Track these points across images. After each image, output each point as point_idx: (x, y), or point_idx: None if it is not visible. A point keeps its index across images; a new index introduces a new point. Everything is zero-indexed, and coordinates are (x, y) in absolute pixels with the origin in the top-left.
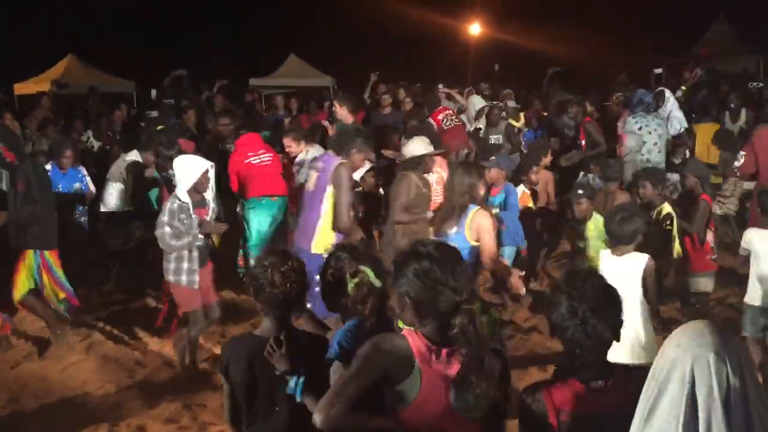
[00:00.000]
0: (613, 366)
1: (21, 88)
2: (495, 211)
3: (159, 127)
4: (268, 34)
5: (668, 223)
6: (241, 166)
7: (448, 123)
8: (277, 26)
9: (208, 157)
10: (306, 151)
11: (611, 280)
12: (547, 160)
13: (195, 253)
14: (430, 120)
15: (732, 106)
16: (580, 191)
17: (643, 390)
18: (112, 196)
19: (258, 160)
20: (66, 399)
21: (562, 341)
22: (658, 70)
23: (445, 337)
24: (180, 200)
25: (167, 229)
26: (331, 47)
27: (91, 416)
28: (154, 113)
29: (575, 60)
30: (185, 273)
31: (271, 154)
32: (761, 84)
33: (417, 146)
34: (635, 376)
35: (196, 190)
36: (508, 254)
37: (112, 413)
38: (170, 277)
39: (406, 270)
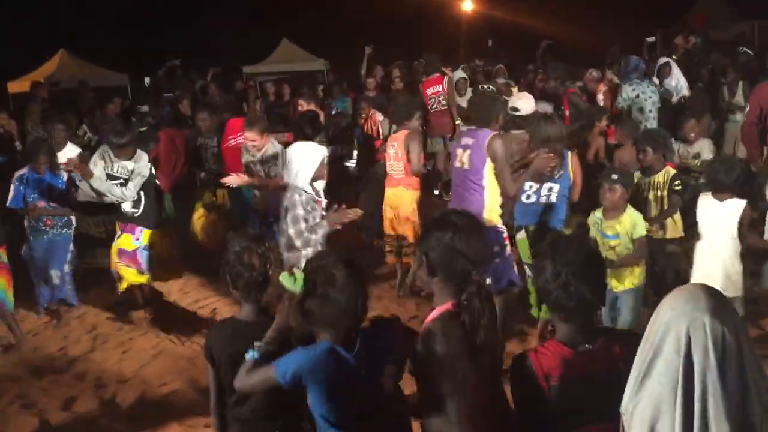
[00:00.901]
0: (600, 329)
1: (15, 87)
2: None
3: (142, 129)
4: (259, 19)
5: (677, 183)
6: (223, 148)
7: (434, 106)
8: (269, 11)
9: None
10: (272, 144)
11: (708, 221)
12: (602, 125)
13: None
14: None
15: (727, 80)
16: (615, 176)
17: (638, 353)
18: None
19: (234, 143)
20: (144, 396)
21: (548, 306)
22: (651, 39)
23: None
24: (305, 191)
25: (304, 224)
26: (323, 30)
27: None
28: (145, 108)
29: (567, 32)
30: None
31: None
32: (747, 50)
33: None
34: (622, 338)
35: (315, 178)
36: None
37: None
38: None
39: (432, 234)
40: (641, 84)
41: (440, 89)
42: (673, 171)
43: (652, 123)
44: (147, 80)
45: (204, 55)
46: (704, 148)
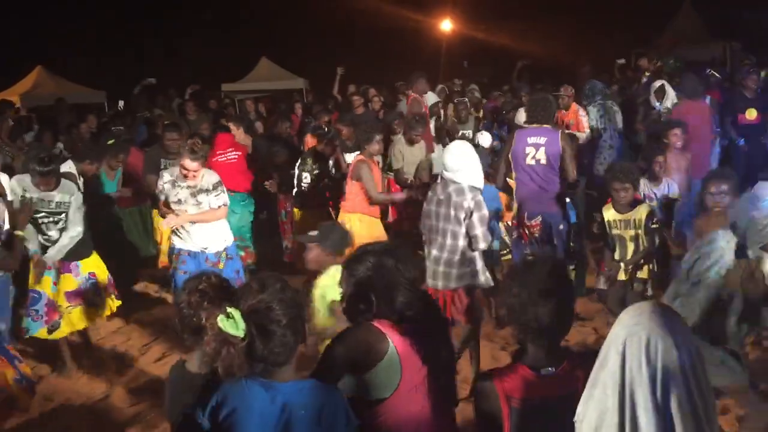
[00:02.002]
0: (566, 352)
1: None
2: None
3: (110, 141)
4: (238, 38)
5: (654, 221)
6: (212, 164)
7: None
8: (248, 30)
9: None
10: (201, 176)
11: None
12: None
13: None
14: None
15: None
16: (621, 174)
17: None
18: None
19: (224, 158)
20: None
21: (513, 329)
22: (621, 61)
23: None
24: (480, 190)
25: (486, 225)
26: (302, 49)
27: None
28: (120, 128)
29: (543, 54)
30: (483, 271)
31: (239, 153)
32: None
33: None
34: (586, 360)
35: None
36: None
37: None
38: (473, 281)
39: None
40: (605, 104)
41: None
42: (649, 208)
43: (617, 141)
44: (121, 103)
45: (183, 73)
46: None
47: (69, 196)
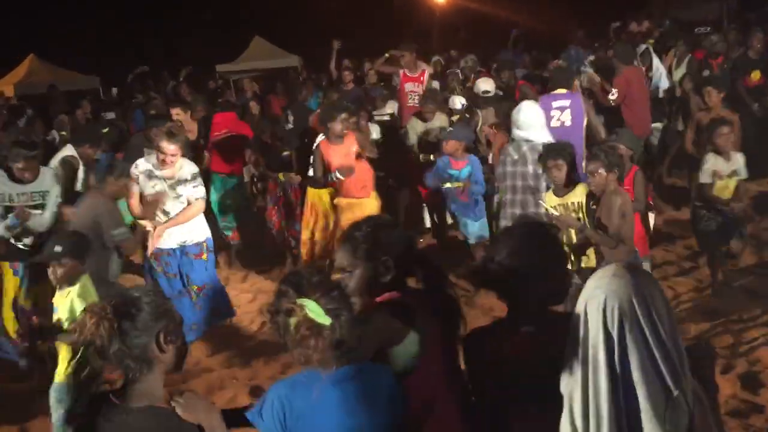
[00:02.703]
0: (547, 312)
1: None
2: (459, 185)
3: (104, 130)
4: (231, 18)
5: (593, 203)
6: (209, 144)
7: (411, 102)
8: (239, 9)
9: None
10: (180, 166)
11: None
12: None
13: None
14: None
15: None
16: (554, 151)
17: None
18: None
19: (221, 138)
20: None
21: (500, 289)
22: (616, 24)
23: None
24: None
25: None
26: (295, 26)
27: None
28: (111, 114)
29: (540, 21)
30: None
31: (236, 134)
32: (708, 29)
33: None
34: (566, 321)
35: None
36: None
37: None
38: None
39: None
40: (586, 74)
41: (419, 88)
42: (586, 188)
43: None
44: (114, 90)
45: (176, 55)
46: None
47: (52, 187)
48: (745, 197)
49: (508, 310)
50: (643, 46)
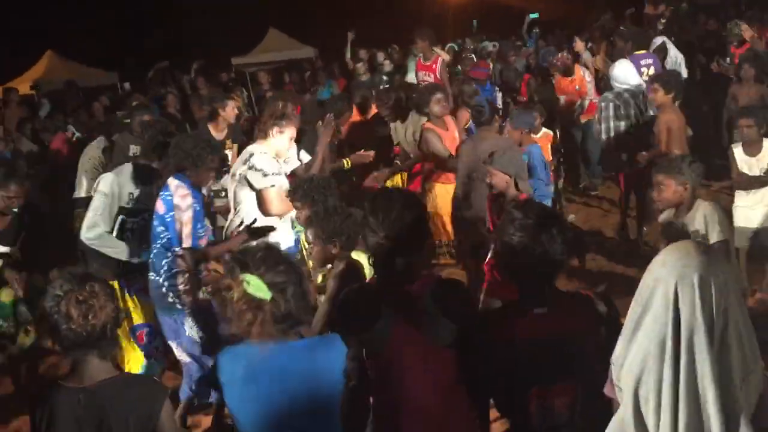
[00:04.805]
0: (559, 292)
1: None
2: None
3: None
4: (246, 10)
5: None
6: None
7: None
8: (254, 1)
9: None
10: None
11: None
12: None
13: None
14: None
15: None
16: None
17: (630, 309)
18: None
19: None
20: None
21: (508, 269)
22: (631, 10)
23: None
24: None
25: None
26: (310, 17)
27: None
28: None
29: (554, 6)
30: None
31: None
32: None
33: None
34: (578, 301)
35: None
36: None
37: None
38: None
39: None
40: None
41: (430, 77)
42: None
43: None
44: (127, 85)
45: (192, 49)
46: None
47: None
48: None
49: (518, 293)
50: (659, 40)
